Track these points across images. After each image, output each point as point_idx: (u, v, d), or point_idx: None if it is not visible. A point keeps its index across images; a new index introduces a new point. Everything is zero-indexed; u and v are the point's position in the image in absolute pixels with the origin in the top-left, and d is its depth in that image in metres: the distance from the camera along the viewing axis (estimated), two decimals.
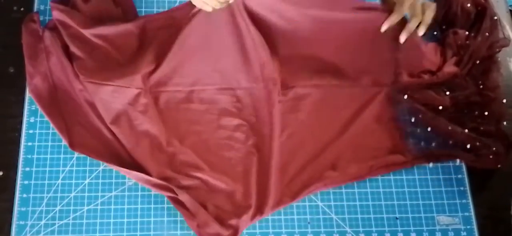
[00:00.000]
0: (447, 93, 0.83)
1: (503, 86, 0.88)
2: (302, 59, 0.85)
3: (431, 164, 0.81)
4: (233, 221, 0.75)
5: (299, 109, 0.83)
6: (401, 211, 0.80)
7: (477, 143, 0.79)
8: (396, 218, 0.79)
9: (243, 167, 0.79)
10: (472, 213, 0.80)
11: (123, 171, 0.77)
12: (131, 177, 0.77)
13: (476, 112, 0.82)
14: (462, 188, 0.82)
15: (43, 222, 0.75)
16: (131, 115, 0.79)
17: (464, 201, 0.81)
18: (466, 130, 0.80)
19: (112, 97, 0.78)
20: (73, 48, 0.80)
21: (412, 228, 0.79)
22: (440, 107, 0.82)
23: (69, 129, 0.79)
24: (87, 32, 0.81)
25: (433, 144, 0.81)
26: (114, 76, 0.78)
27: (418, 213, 0.80)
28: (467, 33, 0.87)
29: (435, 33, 0.90)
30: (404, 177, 0.82)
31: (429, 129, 0.81)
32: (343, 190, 0.80)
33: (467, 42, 0.86)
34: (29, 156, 0.78)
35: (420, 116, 0.82)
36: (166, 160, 0.78)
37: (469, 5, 0.89)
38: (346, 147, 0.81)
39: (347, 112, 0.84)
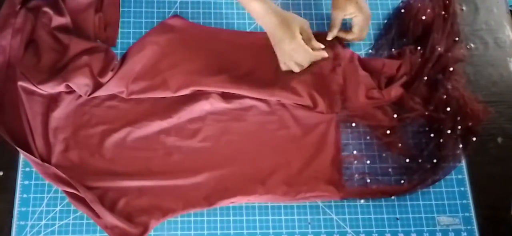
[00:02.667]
0: (394, 116, 0.82)
1: (503, 87, 0.88)
2: (247, 74, 0.85)
3: (362, 201, 0.79)
4: (142, 219, 0.75)
5: (244, 119, 0.82)
6: (401, 212, 0.80)
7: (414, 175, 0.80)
8: (397, 219, 0.79)
9: (159, 168, 0.79)
10: (473, 214, 0.80)
11: (27, 156, 0.76)
12: (35, 166, 0.77)
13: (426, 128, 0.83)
14: (462, 189, 0.82)
15: (43, 222, 0.75)
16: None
17: (464, 201, 0.81)
18: (407, 160, 0.80)
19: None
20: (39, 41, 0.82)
21: (412, 229, 0.79)
22: (388, 131, 0.81)
23: (1, 106, 0.79)
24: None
25: (368, 181, 0.80)
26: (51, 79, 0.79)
27: (419, 214, 0.80)
28: (419, 48, 0.86)
29: (370, 50, 0.89)
30: (404, 177, 0.82)
31: (379, 154, 0.82)
32: None
33: (419, 59, 0.85)
34: None
35: (368, 138, 0.82)
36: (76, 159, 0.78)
37: (423, 17, 0.88)
38: (282, 167, 0.80)
39: (290, 132, 0.82)
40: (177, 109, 0.81)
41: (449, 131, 0.81)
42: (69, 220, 0.75)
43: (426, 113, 0.82)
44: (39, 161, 0.76)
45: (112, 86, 0.80)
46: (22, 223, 0.75)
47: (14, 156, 0.78)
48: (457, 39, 0.89)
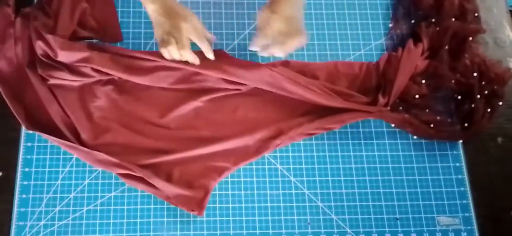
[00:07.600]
0: (423, 81, 0.84)
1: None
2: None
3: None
4: (201, 182, 0.77)
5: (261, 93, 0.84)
6: (401, 212, 0.80)
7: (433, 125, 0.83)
8: (397, 219, 0.79)
9: (205, 136, 0.81)
10: (473, 214, 0.80)
11: (74, 148, 0.77)
12: (84, 157, 0.77)
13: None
14: (462, 189, 0.82)
15: (42, 222, 0.75)
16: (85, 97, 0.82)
17: (464, 201, 0.81)
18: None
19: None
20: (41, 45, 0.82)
21: (412, 229, 0.79)
22: (417, 96, 0.84)
23: (27, 112, 0.79)
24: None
25: (400, 108, 0.83)
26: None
27: (419, 214, 0.80)
28: (433, 20, 0.88)
29: (390, 24, 0.91)
30: (404, 177, 0.82)
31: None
32: (344, 191, 0.80)
33: (437, 29, 0.87)
34: (29, 157, 0.78)
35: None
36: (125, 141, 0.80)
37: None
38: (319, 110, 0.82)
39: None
40: (213, 89, 0.83)
41: (478, 96, 0.83)
42: (68, 220, 0.75)
43: (454, 80, 0.84)
44: (87, 150, 0.77)
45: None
46: (21, 223, 0.75)
47: (14, 156, 0.78)
48: (476, 15, 0.91)
